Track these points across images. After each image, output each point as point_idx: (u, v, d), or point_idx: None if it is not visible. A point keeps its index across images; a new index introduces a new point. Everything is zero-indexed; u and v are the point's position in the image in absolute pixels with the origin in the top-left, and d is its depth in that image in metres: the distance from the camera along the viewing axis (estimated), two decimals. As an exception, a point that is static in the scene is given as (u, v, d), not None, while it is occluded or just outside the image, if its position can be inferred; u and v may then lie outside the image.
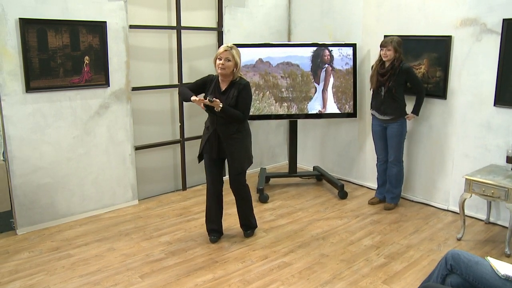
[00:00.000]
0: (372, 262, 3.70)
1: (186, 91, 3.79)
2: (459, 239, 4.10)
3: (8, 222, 4.33)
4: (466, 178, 3.97)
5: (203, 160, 4.00)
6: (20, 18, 3.91)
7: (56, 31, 4.13)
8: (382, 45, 4.51)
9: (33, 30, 4.00)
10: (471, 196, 3.97)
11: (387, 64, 4.54)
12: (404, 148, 4.78)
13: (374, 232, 4.27)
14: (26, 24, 3.94)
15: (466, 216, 4.23)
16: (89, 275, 3.47)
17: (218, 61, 3.68)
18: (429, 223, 4.48)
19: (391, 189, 4.82)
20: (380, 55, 4.56)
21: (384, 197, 4.93)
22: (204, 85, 3.88)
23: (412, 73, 4.54)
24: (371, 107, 4.81)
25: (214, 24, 5.50)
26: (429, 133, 4.84)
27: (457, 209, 4.55)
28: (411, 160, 5.04)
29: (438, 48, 4.62)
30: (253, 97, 5.12)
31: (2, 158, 4.49)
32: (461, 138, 4.59)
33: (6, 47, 3.89)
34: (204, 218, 4.12)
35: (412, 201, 5.06)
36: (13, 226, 4.26)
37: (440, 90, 4.66)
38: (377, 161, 4.94)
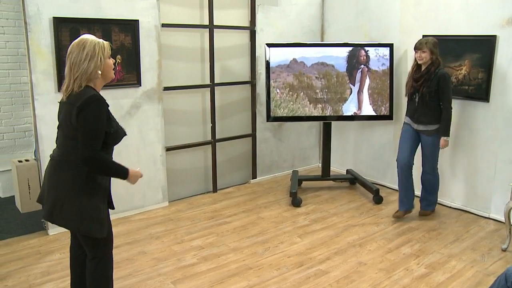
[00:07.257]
0: (413, 272, 3.53)
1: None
2: (504, 250, 3.88)
3: (40, 222, 4.31)
4: (512, 186, 3.78)
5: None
6: (54, 17, 3.88)
7: (89, 30, 4.08)
8: (416, 47, 4.22)
9: (66, 29, 3.96)
10: (517, 204, 3.77)
11: (422, 68, 4.27)
12: (439, 156, 4.46)
13: (412, 240, 4.09)
14: (59, 23, 3.91)
15: None
16: (120, 280, 3.39)
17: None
18: (470, 231, 4.28)
19: (426, 196, 4.60)
20: (416, 59, 4.32)
21: (411, 207, 4.56)
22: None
23: (445, 80, 4.16)
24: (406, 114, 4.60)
25: (246, 23, 5.39)
26: (470, 137, 4.63)
27: (499, 217, 4.35)
28: (450, 165, 4.83)
29: (481, 49, 4.41)
30: (287, 98, 5.02)
31: (34, 157, 4.48)
32: (505, 143, 4.37)
33: (40, 46, 3.87)
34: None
35: (450, 207, 4.85)
36: (45, 226, 4.23)
37: (482, 93, 4.45)
38: (397, 164, 4.50)
